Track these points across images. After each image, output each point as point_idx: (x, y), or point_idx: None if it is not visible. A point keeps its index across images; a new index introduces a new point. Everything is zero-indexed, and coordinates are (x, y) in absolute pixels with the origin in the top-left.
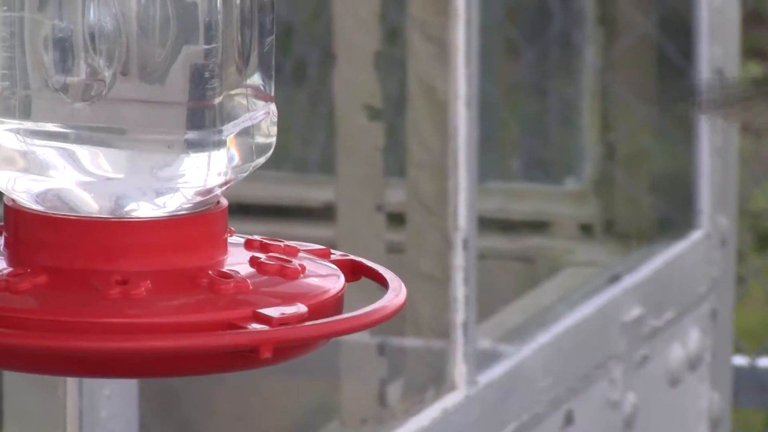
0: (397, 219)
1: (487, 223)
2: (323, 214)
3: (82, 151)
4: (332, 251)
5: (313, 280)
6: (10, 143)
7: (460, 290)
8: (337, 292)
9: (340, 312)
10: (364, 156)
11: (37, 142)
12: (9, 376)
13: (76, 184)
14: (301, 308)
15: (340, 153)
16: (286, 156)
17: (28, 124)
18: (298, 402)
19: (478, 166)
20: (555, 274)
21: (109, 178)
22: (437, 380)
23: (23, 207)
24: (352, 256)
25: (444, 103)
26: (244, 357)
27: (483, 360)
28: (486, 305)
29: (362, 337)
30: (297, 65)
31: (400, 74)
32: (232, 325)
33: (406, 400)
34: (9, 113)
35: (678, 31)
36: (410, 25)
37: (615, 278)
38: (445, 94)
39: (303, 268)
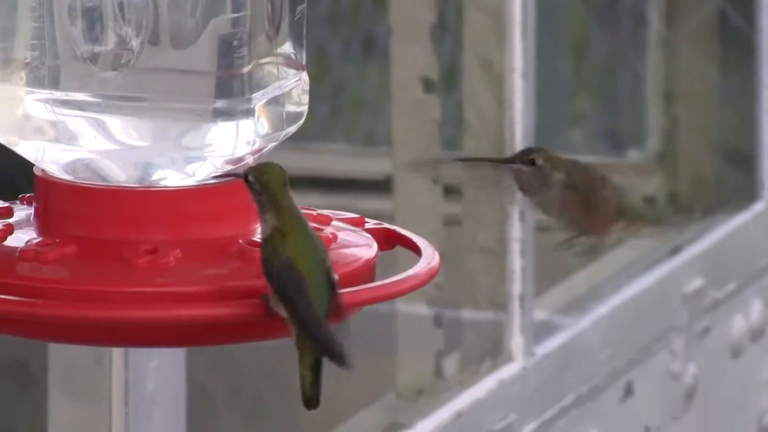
0: (454, 192)
1: None
2: (386, 186)
3: (111, 120)
4: (366, 219)
5: (345, 248)
6: (39, 113)
7: (517, 262)
8: (369, 260)
9: (372, 280)
10: (421, 128)
11: (65, 111)
12: (55, 347)
13: (105, 153)
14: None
15: (396, 125)
16: (357, 129)
17: (57, 94)
18: (354, 374)
19: (535, 138)
20: (617, 247)
21: (135, 147)
22: (494, 352)
23: (53, 177)
24: (386, 225)
25: (500, 76)
26: (274, 325)
27: (541, 332)
28: (548, 277)
29: (419, 309)
30: (366, 39)
31: (456, 47)
32: (261, 294)
33: (463, 371)
34: (38, 83)
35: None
36: None
37: (676, 250)
38: (502, 66)
39: (335, 236)
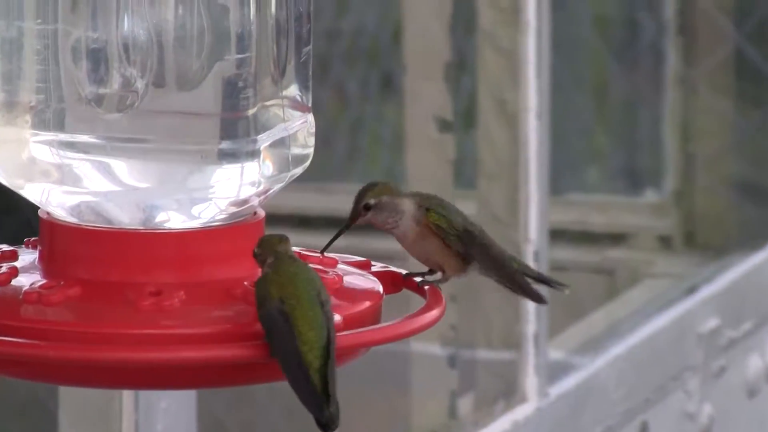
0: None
1: (566, 235)
2: None
3: (116, 162)
4: (373, 263)
5: (350, 291)
6: (44, 156)
7: (531, 302)
8: (374, 303)
9: (377, 322)
10: (435, 167)
11: (70, 154)
12: (65, 389)
13: (109, 196)
14: (335, 318)
15: (411, 165)
16: (376, 168)
17: (62, 136)
18: (368, 414)
19: (549, 178)
20: (633, 286)
21: (140, 188)
22: (508, 392)
23: (58, 220)
24: (392, 268)
25: (515, 115)
26: (278, 367)
27: (555, 372)
28: (565, 317)
29: (433, 349)
30: (385, 77)
31: (471, 86)
32: (264, 336)
33: (477, 412)
34: (43, 126)
35: (761, 37)
36: (481, 37)
37: (692, 289)
38: (516, 105)
39: (340, 278)
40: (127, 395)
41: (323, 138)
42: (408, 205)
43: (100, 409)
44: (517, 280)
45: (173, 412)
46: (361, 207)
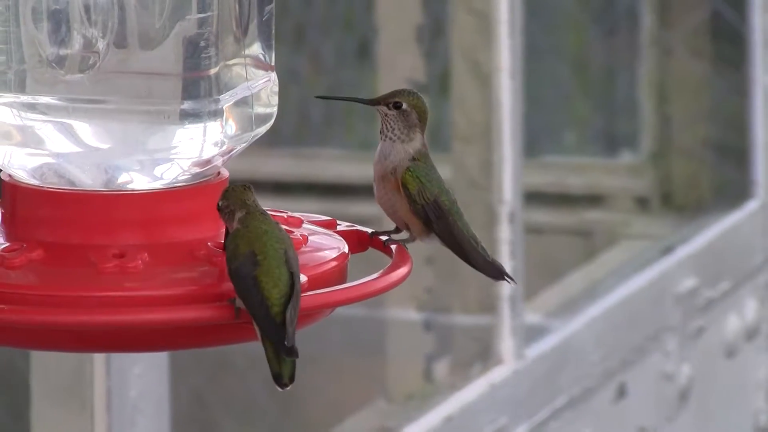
0: None
1: (544, 197)
2: None
3: (78, 124)
4: (339, 222)
5: (316, 251)
6: (6, 117)
7: (506, 264)
8: (340, 263)
9: (343, 282)
10: None
11: (32, 116)
12: (37, 354)
13: (71, 157)
14: (301, 278)
15: None
16: (353, 134)
17: (24, 98)
18: (343, 380)
19: (525, 140)
20: (611, 248)
21: (102, 149)
22: (484, 355)
23: (20, 182)
24: (358, 227)
25: (488, 76)
26: (244, 328)
27: (532, 334)
28: (542, 280)
29: (408, 313)
30: (361, 44)
31: (445, 50)
32: (229, 297)
33: (453, 375)
34: (5, 87)
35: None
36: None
37: (669, 249)
38: (489, 66)
39: (305, 238)
40: (99, 360)
41: (300, 104)
42: (415, 140)
43: (72, 374)
44: (471, 260)
45: (147, 378)
46: (393, 100)
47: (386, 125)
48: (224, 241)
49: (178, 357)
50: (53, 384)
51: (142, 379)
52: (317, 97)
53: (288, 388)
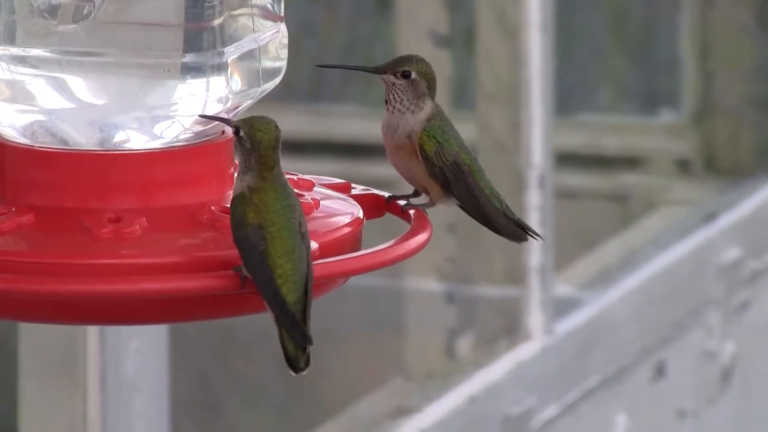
0: None
1: (576, 159)
2: None
3: (71, 78)
4: (353, 185)
5: (328, 217)
6: None
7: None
8: (353, 229)
9: (357, 249)
10: None
11: (22, 69)
12: (24, 327)
13: (64, 114)
14: (311, 245)
15: None
16: (371, 90)
17: (14, 50)
18: (359, 356)
19: (556, 98)
20: (649, 214)
21: (97, 106)
22: (510, 330)
23: (9, 141)
24: (374, 190)
25: (516, 29)
26: (251, 299)
27: (563, 308)
28: (574, 248)
29: (429, 284)
30: None
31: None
32: (234, 265)
33: (476, 351)
34: None
35: None
36: None
37: (711, 217)
38: (517, 18)
39: (317, 202)
40: (93, 334)
41: (315, 58)
42: (425, 108)
43: (64, 349)
44: (493, 222)
45: (145, 354)
46: (401, 69)
47: (393, 95)
48: (230, 204)
49: (179, 331)
50: (43, 359)
51: (140, 354)
52: (318, 66)
53: (304, 373)
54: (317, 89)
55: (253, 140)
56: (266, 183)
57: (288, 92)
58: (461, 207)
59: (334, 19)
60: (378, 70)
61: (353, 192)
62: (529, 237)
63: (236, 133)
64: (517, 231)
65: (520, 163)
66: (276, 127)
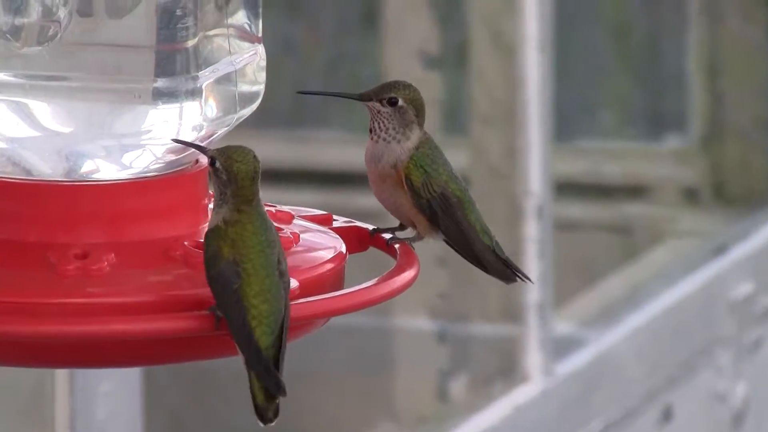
0: None
1: (577, 188)
2: None
3: (36, 104)
4: (335, 217)
5: (308, 252)
6: None
7: (533, 266)
8: (336, 265)
9: (340, 287)
10: None
11: None
12: None
13: (27, 142)
14: (290, 283)
15: None
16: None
17: None
18: (346, 398)
19: (555, 121)
20: (654, 247)
21: (63, 134)
22: (507, 371)
23: None
24: (357, 223)
25: (512, 48)
26: (225, 341)
27: (563, 347)
28: (576, 283)
29: (420, 322)
30: (366, 11)
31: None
32: (209, 305)
33: (471, 394)
34: None
35: None
36: None
37: (721, 249)
38: (514, 37)
39: (296, 236)
40: (61, 376)
41: (295, 81)
42: (413, 138)
43: (31, 393)
44: (481, 259)
45: (117, 397)
46: (387, 96)
47: (379, 124)
48: (204, 238)
49: (151, 372)
50: (9, 403)
51: (111, 398)
52: (298, 92)
53: (272, 424)
54: (297, 114)
55: (229, 172)
56: (243, 216)
57: (266, 117)
58: (447, 242)
59: (316, 36)
60: (363, 97)
61: (335, 224)
62: (518, 278)
63: (212, 164)
64: (506, 271)
65: (516, 191)
66: (254, 157)
